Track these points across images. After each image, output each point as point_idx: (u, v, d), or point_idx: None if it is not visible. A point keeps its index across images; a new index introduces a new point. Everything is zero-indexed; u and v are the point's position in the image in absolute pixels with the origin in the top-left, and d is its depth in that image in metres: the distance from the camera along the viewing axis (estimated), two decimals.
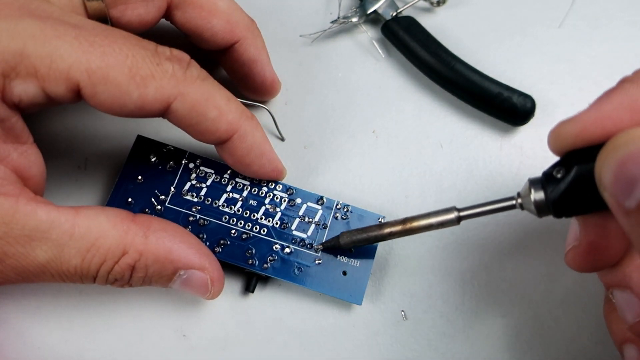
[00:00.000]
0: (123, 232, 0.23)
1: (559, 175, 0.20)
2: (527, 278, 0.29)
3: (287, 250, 0.27)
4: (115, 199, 0.27)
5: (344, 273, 0.27)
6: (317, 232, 0.28)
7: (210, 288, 0.25)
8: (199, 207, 0.27)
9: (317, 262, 0.27)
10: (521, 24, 0.34)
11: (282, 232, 0.27)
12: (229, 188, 0.28)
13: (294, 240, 0.27)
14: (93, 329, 0.28)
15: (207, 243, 0.27)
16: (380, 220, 0.28)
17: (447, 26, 0.33)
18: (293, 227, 0.28)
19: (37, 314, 0.28)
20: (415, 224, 0.24)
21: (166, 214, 0.27)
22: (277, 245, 0.27)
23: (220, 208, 0.28)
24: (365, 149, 0.31)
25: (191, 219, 0.27)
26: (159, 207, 0.27)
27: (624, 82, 0.20)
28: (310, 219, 0.28)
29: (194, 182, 0.28)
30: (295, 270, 0.27)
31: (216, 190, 0.28)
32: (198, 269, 0.25)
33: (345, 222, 0.28)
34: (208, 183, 0.28)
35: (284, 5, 0.34)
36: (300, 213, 0.28)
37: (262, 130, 0.26)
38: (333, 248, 0.27)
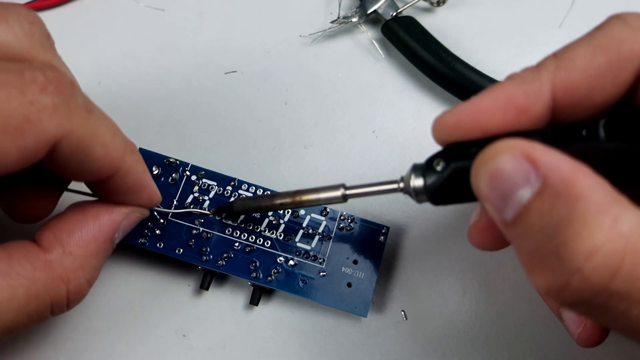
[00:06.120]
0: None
1: (438, 168, 0.20)
2: (527, 278, 0.29)
3: (291, 262, 0.27)
4: None
5: (349, 285, 0.27)
6: (322, 243, 0.27)
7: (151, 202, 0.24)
8: (202, 220, 0.27)
9: (321, 274, 0.27)
10: (521, 24, 0.33)
11: (285, 244, 0.27)
12: (231, 200, 0.28)
13: (297, 252, 0.27)
14: (93, 329, 0.28)
15: (211, 256, 0.27)
16: (383, 231, 0.28)
17: (447, 26, 0.33)
18: (297, 239, 0.27)
19: None
20: (305, 197, 0.24)
21: (169, 227, 0.27)
22: (281, 258, 0.27)
23: (224, 220, 0.27)
24: (365, 149, 0.31)
25: (194, 232, 0.27)
26: (161, 220, 0.27)
27: (509, 77, 0.20)
28: (315, 231, 0.27)
29: (196, 194, 0.28)
30: (300, 282, 0.27)
31: (219, 202, 0.27)
32: (118, 219, 0.23)
33: (350, 233, 0.28)
34: (211, 195, 0.28)
35: (284, 5, 0.34)
36: (304, 224, 0.28)
37: (143, 162, 0.23)
38: (225, 212, 0.27)
